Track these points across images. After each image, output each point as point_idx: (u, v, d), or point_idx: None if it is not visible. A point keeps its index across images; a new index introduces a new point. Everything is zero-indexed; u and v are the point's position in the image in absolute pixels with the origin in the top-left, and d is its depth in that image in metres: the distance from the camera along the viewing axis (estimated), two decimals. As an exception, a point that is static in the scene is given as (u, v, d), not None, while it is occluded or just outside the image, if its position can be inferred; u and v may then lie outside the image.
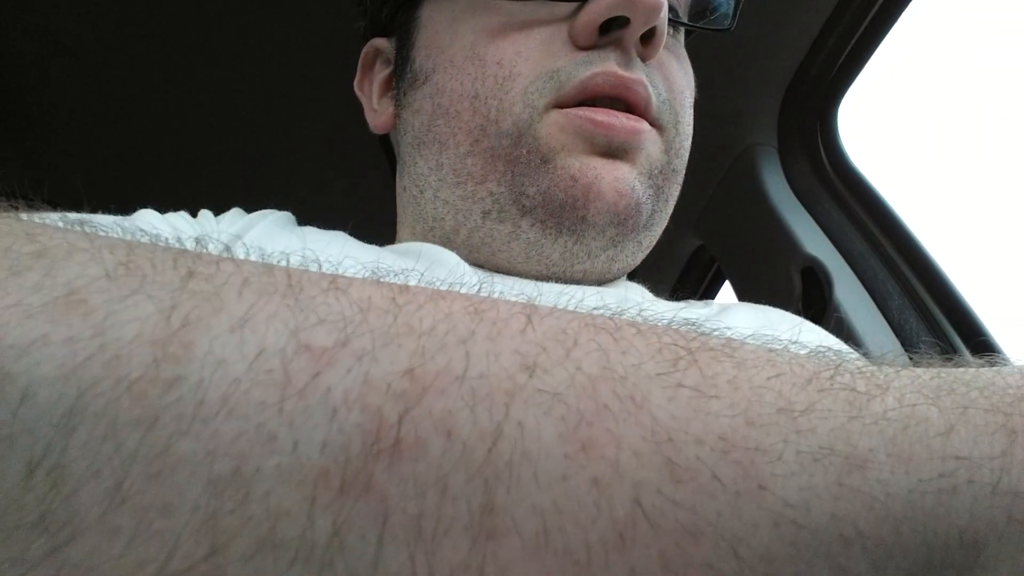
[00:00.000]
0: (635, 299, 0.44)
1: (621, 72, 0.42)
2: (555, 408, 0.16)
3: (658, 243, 1.11)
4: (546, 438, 0.16)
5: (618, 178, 0.42)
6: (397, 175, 0.53)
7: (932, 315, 0.69)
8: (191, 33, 0.92)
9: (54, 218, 0.21)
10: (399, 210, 0.53)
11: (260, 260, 0.19)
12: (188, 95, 1.01)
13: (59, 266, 0.16)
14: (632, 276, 0.55)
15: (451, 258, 0.42)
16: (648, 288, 0.50)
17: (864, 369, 0.19)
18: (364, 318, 0.17)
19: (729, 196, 0.91)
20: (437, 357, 0.16)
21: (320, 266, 0.20)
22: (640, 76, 0.43)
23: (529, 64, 0.42)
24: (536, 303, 0.20)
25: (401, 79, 0.49)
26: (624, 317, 0.20)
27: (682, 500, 0.16)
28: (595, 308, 0.21)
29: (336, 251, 0.39)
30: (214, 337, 0.16)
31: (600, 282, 0.47)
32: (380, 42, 0.53)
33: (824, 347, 0.20)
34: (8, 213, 0.19)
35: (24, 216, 0.19)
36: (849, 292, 0.74)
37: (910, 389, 0.18)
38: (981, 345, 0.65)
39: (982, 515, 0.16)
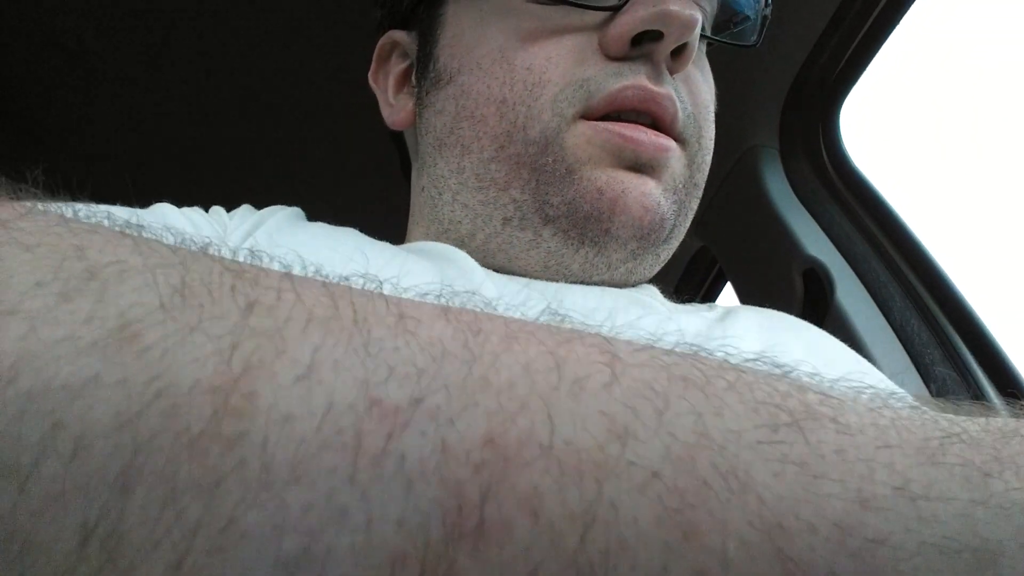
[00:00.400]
0: (647, 300, 0.43)
1: (651, 86, 0.41)
2: (651, 486, 0.14)
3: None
4: (644, 522, 0.14)
5: (645, 193, 0.42)
6: (414, 174, 0.52)
7: (934, 317, 0.69)
8: (197, 31, 0.92)
9: (99, 214, 0.19)
10: (413, 209, 0.52)
11: (320, 281, 0.18)
12: (193, 94, 1.00)
13: (111, 291, 0.15)
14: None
15: (467, 262, 0.41)
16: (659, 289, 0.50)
17: (972, 432, 0.17)
18: (438, 369, 0.15)
19: (731, 197, 0.91)
20: (518, 420, 0.15)
21: (381, 287, 0.19)
22: (669, 91, 0.42)
23: (559, 71, 0.42)
24: (615, 345, 0.18)
25: (423, 77, 0.48)
26: (710, 361, 0.18)
27: None
28: (677, 344, 0.19)
29: (350, 249, 0.39)
30: (278, 387, 0.14)
31: (622, 288, 0.46)
32: (398, 34, 0.52)
33: (916, 400, 0.19)
34: (54, 217, 0.18)
35: (70, 216, 0.18)
36: (851, 294, 0.73)
37: None
38: (983, 347, 0.65)
39: None
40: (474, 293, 0.21)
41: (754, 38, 0.49)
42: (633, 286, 0.48)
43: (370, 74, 0.54)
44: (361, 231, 0.46)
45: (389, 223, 0.55)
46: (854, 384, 0.19)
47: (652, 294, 0.47)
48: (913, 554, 0.14)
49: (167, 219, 0.39)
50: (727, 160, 0.89)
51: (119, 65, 0.96)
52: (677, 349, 0.19)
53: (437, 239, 0.47)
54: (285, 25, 0.90)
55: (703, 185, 0.48)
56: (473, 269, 0.40)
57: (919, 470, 0.15)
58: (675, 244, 0.48)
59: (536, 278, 0.44)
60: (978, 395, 0.62)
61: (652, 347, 0.18)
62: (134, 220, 0.19)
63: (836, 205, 0.80)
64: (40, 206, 0.18)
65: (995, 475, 0.16)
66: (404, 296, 0.19)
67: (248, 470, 0.13)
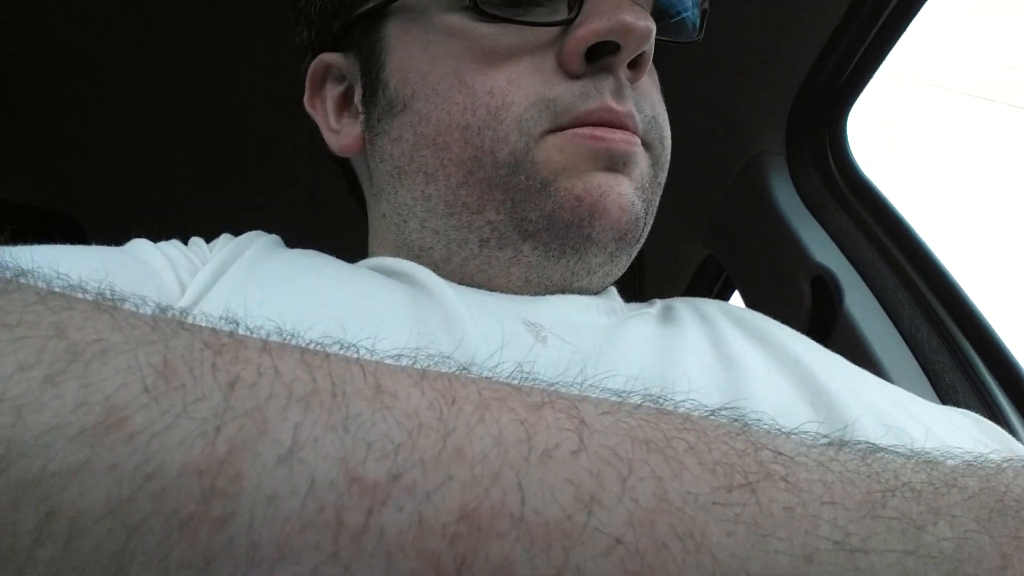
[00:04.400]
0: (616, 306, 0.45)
1: (616, 106, 0.41)
2: (615, 551, 0.16)
3: (667, 253, 1.10)
4: None
5: (621, 194, 0.42)
6: (370, 199, 0.52)
7: (944, 324, 0.68)
8: (203, 40, 0.93)
9: (72, 279, 0.20)
10: (375, 231, 0.51)
11: (299, 351, 0.19)
12: (191, 106, 1.01)
13: (95, 374, 0.16)
14: (640, 286, 0.55)
15: (434, 282, 0.41)
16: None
17: (915, 484, 0.19)
18: (413, 443, 0.16)
19: (737, 205, 0.91)
20: (491, 492, 0.16)
21: (358, 352, 0.20)
22: (630, 108, 0.42)
23: (522, 92, 0.41)
24: (583, 410, 0.19)
25: (372, 103, 0.47)
26: (672, 420, 0.19)
27: None
28: (643, 399, 0.20)
29: (331, 281, 0.39)
30: (262, 468, 0.15)
31: (593, 295, 0.47)
32: (331, 57, 0.50)
33: (868, 443, 0.20)
34: (30, 293, 0.18)
35: (44, 290, 0.18)
36: (859, 302, 0.73)
37: (960, 510, 0.18)
38: (993, 354, 0.65)
39: None
40: (446, 357, 0.22)
41: (697, 34, 0.49)
42: (606, 287, 0.48)
43: (305, 100, 0.52)
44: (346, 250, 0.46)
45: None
46: (810, 435, 0.21)
47: (614, 298, 0.48)
48: None
49: (141, 256, 0.39)
50: (733, 168, 0.89)
51: (126, 75, 0.96)
52: (643, 407, 0.20)
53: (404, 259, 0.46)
54: (285, 43, 0.90)
55: (664, 184, 0.48)
56: (449, 297, 0.39)
57: (859, 524, 0.17)
58: (642, 243, 0.48)
59: (515, 292, 0.44)
60: (989, 402, 0.62)
61: (618, 409, 0.20)
62: (107, 285, 0.20)
63: (843, 212, 0.80)
64: (11, 278, 0.19)
65: (928, 527, 0.17)
66: (380, 359, 0.20)
67: (237, 548, 0.14)
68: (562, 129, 0.41)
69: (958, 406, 0.62)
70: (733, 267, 0.96)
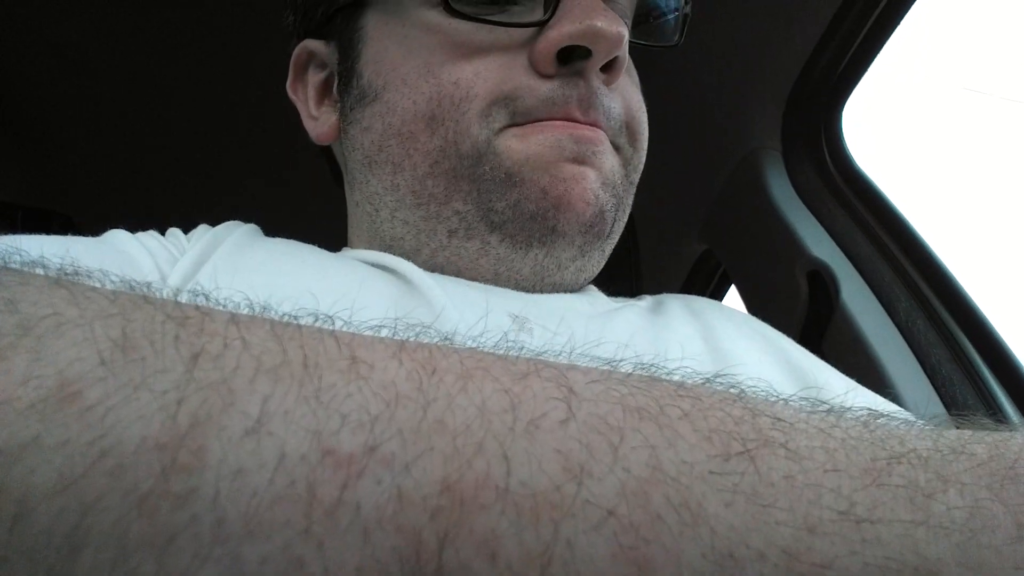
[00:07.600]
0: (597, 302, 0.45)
1: (580, 118, 0.41)
2: (607, 524, 0.15)
3: (663, 248, 1.10)
4: (599, 559, 0.14)
5: (586, 188, 0.41)
6: (346, 187, 0.52)
7: (940, 317, 0.68)
8: (193, 47, 0.92)
9: (32, 256, 0.18)
10: (352, 221, 0.51)
11: (268, 323, 0.18)
12: (186, 106, 1.01)
13: (48, 348, 0.15)
14: (638, 281, 0.55)
15: (415, 273, 0.40)
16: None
17: (921, 451, 0.17)
18: (391, 414, 0.15)
19: (734, 200, 0.91)
20: (475, 463, 0.15)
21: (333, 324, 0.19)
22: (596, 118, 0.42)
23: (487, 86, 0.41)
24: (571, 378, 0.18)
25: (346, 92, 0.47)
26: (666, 387, 0.18)
27: None
28: (636, 367, 0.19)
29: (312, 268, 0.38)
30: (227, 441, 0.14)
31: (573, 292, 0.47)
32: (314, 44, 0.50)
33: (870, 410, 0.19)
34: None
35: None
36: (856, 295, 0.73)
37: (970, 478, 0.17)
38: (990, 346, 0.65)
39: None
40: (428, 327, 0.21)
41: (676, 38, 0.49)
42: (583, 286, 0.48)
43: (288, 85, 0.52)
44: (325, 240, 0.46)
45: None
46: (809, 401, 0.19)
47: (597, 295, 0.48)
48: (855, 574, 0.15)
49: (119, 246, 0.39)
50: (729, 163, 0.89)
51: (120, 75, 0.96)
52: (634, 375, 0.19)
53: (381, 252, 0.46)
54: (278, 40, 0.90)
55: (636, 184, 0.48)
56: (436, 295, 0.39)
57: (864, 493, 0.16)
58: (615, 239, 0.48)
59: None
60: (985, 395, 0.62)
61: (609, 377, 0.18)
62: (68, 262, 0.18)
63: (839, 206, 0.80)
64: None
65: (937, 495, 0.16)
66: (357, 330, 0.19)
67: (201, 525, 0.13)
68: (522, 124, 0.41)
69: (955, 399, 0.63)
70: (730, 262, 0.96)
